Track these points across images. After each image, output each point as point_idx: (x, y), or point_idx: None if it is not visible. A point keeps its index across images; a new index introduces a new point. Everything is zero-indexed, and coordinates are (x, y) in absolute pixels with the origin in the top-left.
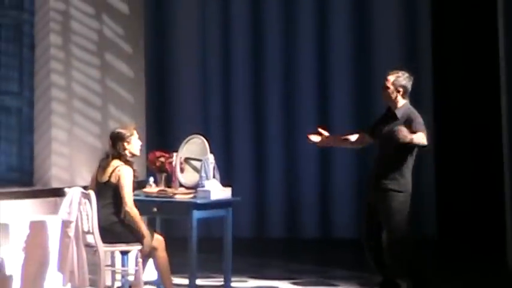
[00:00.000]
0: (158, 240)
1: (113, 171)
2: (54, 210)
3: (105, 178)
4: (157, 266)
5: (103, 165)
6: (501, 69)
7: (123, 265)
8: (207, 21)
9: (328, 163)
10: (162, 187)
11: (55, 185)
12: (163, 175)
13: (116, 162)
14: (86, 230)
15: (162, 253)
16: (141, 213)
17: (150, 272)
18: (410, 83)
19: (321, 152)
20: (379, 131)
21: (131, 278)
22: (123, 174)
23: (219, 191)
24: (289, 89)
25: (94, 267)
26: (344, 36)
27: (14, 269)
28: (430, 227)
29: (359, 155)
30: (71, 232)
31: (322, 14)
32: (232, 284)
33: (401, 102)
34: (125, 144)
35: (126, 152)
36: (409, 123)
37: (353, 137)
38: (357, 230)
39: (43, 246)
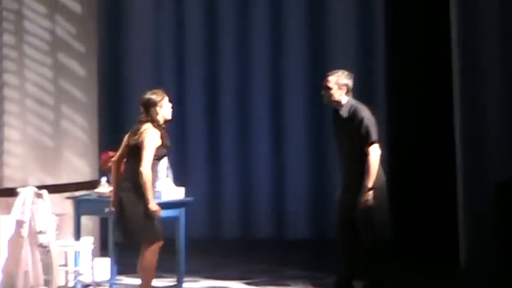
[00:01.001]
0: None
1: (142, 133)
2: (7, 210)
3: (135, 141)
4: (140, 265)
5: (134, 131)
6: (454, 69)
7: (76, 265)
8: (162, 22)
9: (282, 163)
10: None
11: (8, 185)
12: None
13: (146, 126)
14: (39, 230)
15: (151, 255)
16: (93, 213)
17: (102, 272)
18: (351, 80)
19: (276, 152)
20: (338, 135)
21: (83, 278)
22: (148, 136)
23: (171, 192)
24: (244, 90)
25: (47, 267)
26: (299, 36)
27: None
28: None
29: (312, 155)
30: (25, 232)
31: (278, 11)
32: (184, 285)
33: (345, 99)
34: (158, 108)
35: (159, 116)
36: (357, 126)
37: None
38: (310, 230)
39: None
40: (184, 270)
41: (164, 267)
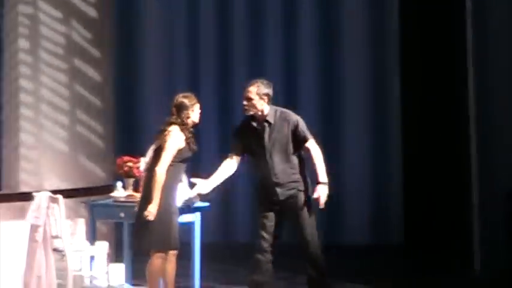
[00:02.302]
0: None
1: (166, 135)
2: (22, 215)
3: (158, 144)
4: (147, 271)
5: (160, 132)
6: (469, 73)
7: (90, 270)
8: (176, 27)
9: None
10: (130, 192)
11: (23, 189)
12: (131, 180)
13: (172, 127)
14: (53, 234)
15: (157, 261)
16: (108, 218)
17: (116, 277)
18: (271, 88)
19: None
20: (259, 143)
21: (99, 283)
22: (171, 137)
23: (186, 196)
24: None
25: (61, 272)
26: (311, 42)
27: None
28: (396, 235)
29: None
30: (39, 237)
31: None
32: None
33: (267, 108)
34: (190, 112)
35: (189, 120)
36: (293, 127)
37: (225, 168)
38: (327, 235)
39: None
40: (199, 276)
41: (179, 273)
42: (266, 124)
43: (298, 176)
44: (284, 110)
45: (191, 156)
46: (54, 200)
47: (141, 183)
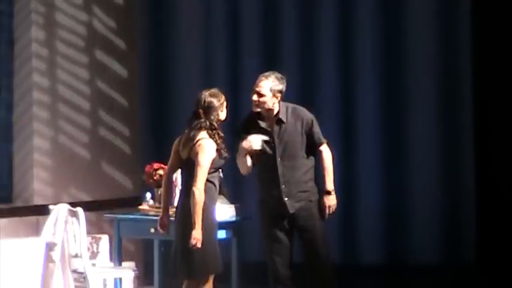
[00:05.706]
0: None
1: (195, 145)
2: (37, 230)
3: (188, 152)
4: None
5: (186, 137)
6: None
7: None
8: (213, 15)
9: (353, 171)
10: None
11: (37, 201)
12: None
13: (201, 135)
14: (73, 253)
15: None
16: (136, 235)
17: None
18: (285, 83)
19: (344, 169)
20: (267, 145)
21: None
22: (203, 149)
23: (225, 210)
24: (308, 91)
25: None
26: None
27: None
28: (468, 252)
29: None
30: (56, 256)
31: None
32: None
33: (277, 107)
34: (219, 113)
35: (219, 121)
36: (306, 129)
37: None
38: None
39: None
40: None
41: None
42: (276, 124)
43: (310, 185)
44: (296, 106)
45: (223, 163)
46: (73, 214)
47: (164, 192)
